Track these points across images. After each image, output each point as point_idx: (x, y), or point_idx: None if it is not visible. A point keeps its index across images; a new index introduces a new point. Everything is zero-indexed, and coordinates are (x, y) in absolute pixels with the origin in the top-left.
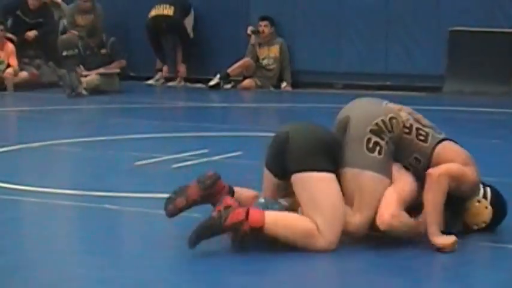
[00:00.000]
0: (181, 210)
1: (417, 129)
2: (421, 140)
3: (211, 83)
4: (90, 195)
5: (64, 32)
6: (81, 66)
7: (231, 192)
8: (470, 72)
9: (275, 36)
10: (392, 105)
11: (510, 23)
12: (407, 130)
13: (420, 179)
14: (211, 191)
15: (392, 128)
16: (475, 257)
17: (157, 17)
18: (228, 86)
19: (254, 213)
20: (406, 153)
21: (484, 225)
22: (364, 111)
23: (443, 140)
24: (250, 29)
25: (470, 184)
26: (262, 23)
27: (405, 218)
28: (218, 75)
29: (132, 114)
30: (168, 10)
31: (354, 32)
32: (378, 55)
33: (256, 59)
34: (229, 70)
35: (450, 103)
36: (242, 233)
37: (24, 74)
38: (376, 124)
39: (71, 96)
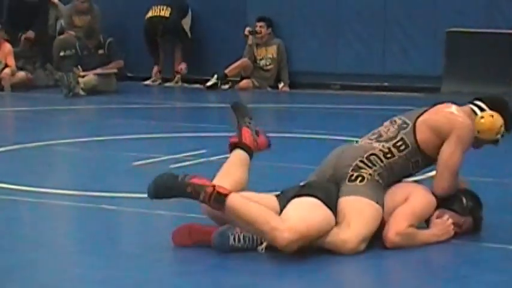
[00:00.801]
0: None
1: (394, 145)
2: (403, 150)
3: (209, 83)
4: (88, 196)
5: (61, 32)
6: (79, 67)
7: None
8: (469, 73)
9: (273, 36)
10: (362, 142)
11: (508, 24)
12: (389, 155)
13: (429, 166)
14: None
15: (372, 163)
16: (474, 257)
17: (153, 18)
18: (226, 86)
19: (222, 186)
20: (405, 168)
21: (503, 130)
22: (343, 160)
23: (414, 127)
24: (247, 29)
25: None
26: (259, 24)
27: (412, 234)
28: (215, 76)
29: (129, 114)
30: (164, 11)
31: (351, 33)
32: (375, 56)
33: (254, 60)
34: (226, 71)
35: None
36: (203, 197)
37: (21, 75)
38: (356, 165)
39: (69, 97)
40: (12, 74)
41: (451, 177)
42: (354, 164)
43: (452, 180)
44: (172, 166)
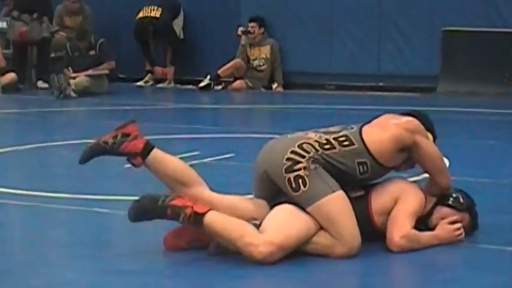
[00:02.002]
0: (92, 150)
1: (335, 139)
2: (347, 145)
3: (202, 84)
4: (79, 199)
5: (52, 33)
6: (70, 68)
7: (148, 147)
8: (465, 72)
9: (266, 36)
10: (296, 134)
11: (504, 23)
12: (327, 146)
13: (379, 176)
14: (124, 131)
15: (305, 150)
16: (472, 259)
17: (144, 18)
18: (219, 87)
19: (200, 204)
20: (348, 167)
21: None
22: (275, 155)
23: (360, 129)
24: (240, 29)
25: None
26: (251, 24)
27: (416, 236)
28: (208, 77)
29: (121, 116)
30: (155, 12)
31: (346, 33)
32: (370, 56)
33: (247, 60)
34: (219, 71)
35: (445, 104)
36: (183, 218)
37: (11, 76)
38: (287, 159)
39: (60, 98)
40: (2, 74)
41: (445, 168)
42: (285, 159)
43: (446, 169)
44: None
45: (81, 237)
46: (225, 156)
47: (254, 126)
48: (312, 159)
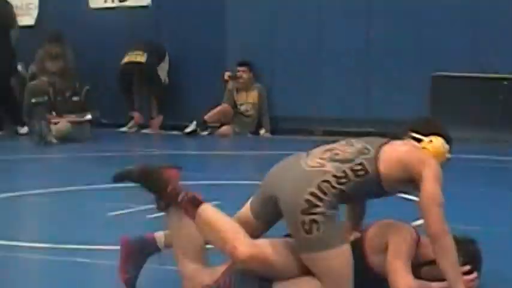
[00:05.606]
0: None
1: (351, 168)
2: (361, 175)
3: (188, 129)
4: (60, 248)
5: (33, 78)
6: (53, 113)
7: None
8: (454, 117)
9: (253, 81)
10: (312, 162)
11: (493, 68)
12: (343, 180)
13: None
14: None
15: (325, 192)
16: None
17: (129, 63)
18: (205, 132)
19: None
20: (356, 197)
21: (447, 146)
22: (290, 188)
23: (376, 155)
24: (227, 74)
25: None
26: (241, 69)
27: (422, 286)
28: (195, 122)
29: (105, 162)
30: (140, 57)
31: (334, 77)
32: (358, 100)
33: (234, 105)
34: (206, 116)
35: None
36: (183, 197)
37: None
38: (306, 201)
39: (40, 145)
40: None
41: (439, 214)
42: (303, 199)
43: (442, 214)
44: (149, 216)
45: None
46: (212, 203)
47: (241, 173)
48: (328, 207)
